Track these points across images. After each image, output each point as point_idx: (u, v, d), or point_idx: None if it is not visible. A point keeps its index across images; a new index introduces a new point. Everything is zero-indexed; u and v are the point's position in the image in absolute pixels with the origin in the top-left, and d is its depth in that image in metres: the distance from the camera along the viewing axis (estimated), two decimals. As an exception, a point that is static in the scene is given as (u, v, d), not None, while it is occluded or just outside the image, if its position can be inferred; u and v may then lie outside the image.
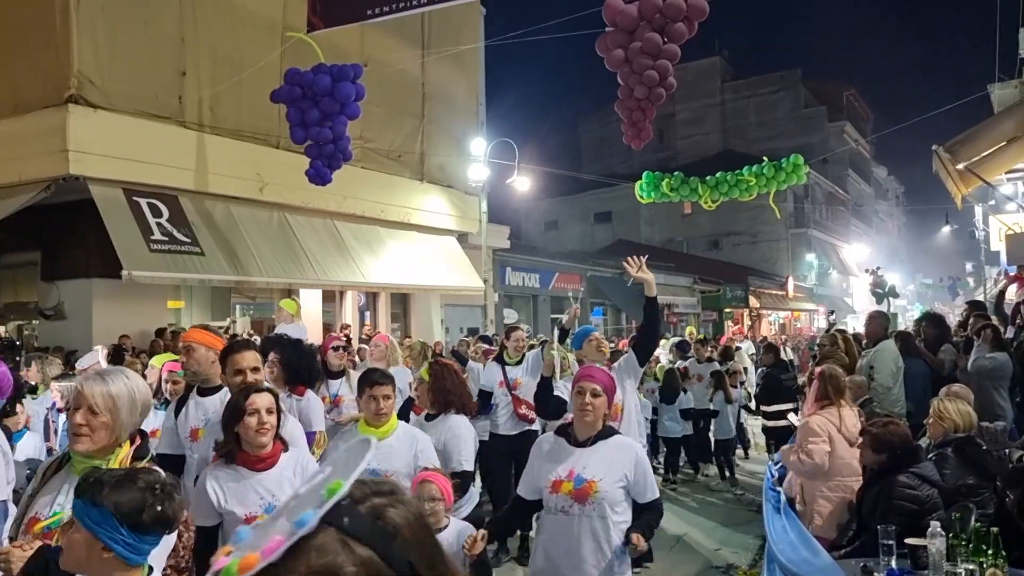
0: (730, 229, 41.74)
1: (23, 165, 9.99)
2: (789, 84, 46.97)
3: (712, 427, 10.40)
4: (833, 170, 46.08)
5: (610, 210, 43.76)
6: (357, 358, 9.23)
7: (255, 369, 3.68)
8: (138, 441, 2.46)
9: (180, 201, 11.13)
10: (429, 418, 4.45)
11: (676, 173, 15.15)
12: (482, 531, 3.41)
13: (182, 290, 12.65)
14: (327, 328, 14.30)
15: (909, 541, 3.48)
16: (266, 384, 3.53)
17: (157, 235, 10.42)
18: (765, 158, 14.71)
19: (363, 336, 13.43)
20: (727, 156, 35.68)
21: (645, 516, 3.36)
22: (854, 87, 52.92)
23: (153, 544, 1.83)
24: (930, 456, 4.32)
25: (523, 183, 18.76)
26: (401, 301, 17.24)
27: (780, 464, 5.68)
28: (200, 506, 3.08)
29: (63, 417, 6.36)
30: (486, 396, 6.68)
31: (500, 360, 6.94)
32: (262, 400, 3.07)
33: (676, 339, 14.77)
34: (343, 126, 8.98)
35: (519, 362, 6.84)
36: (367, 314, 16.34)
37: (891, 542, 3.44)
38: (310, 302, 14.42)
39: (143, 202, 10.56)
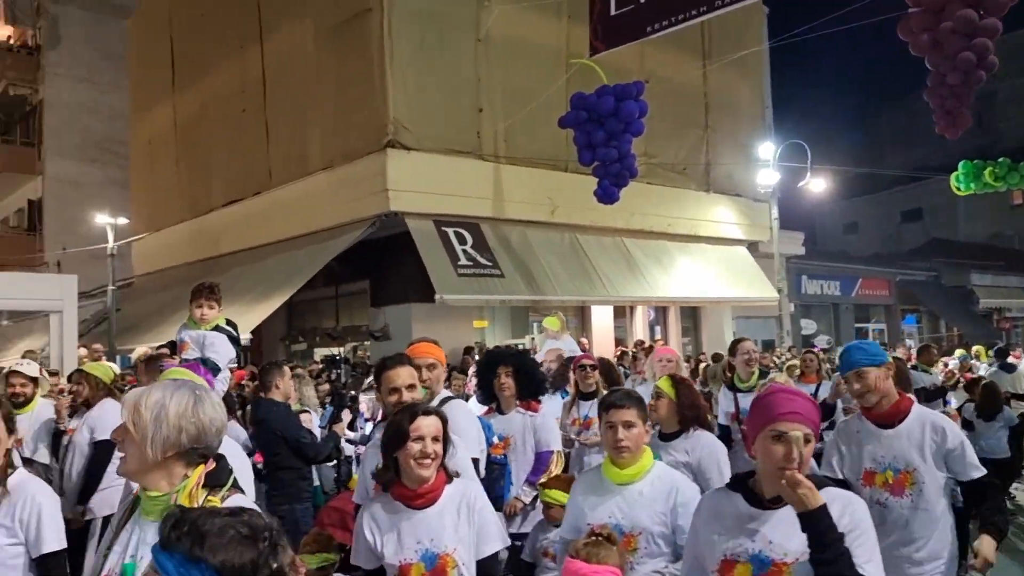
0: (1076, 218, 35.67)
1: (354, 206, 11.55)
2: None
3: None
4: None
5: (920, 207, 39.49)
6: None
7: (411, 387, 3.20)
8: (211, 465, 1.97)
9: (481, 228, 12.11)
10: (666, 437, 3.79)
11: (1001, 160, 13.53)
12: None
13: (486, 310, 13.64)
14: (618, 343, 14.58)
15: None
16: (428, 404, 2.98)
17: (463, 261, 11.43)
18: (1122, 131, 12.45)
19: (655, 350, 13.45)
20: (1068, 134, 30.55)
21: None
22: None
23: None
24: None
25: (817, 185, 17.69)
26: (691, 315, 17.04)
27: None
28: (359, 548, 2.63)
29: (370, 426, 7.14)
30: (725, 431, 5.47)
31: (732, 385, 5.68)
32: (428, 425, 2.52)
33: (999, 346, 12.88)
34: (628, 144, 9.13)
35: (755, 387, 5.40)
36: (657, 329, 16.37)
37: None
38: (601, 318, 14.81)
39: (450, 231, 11.64)
